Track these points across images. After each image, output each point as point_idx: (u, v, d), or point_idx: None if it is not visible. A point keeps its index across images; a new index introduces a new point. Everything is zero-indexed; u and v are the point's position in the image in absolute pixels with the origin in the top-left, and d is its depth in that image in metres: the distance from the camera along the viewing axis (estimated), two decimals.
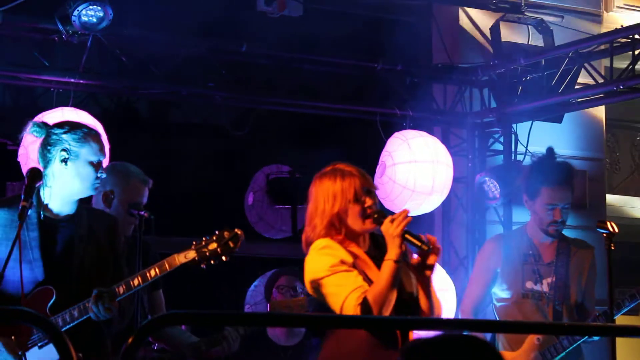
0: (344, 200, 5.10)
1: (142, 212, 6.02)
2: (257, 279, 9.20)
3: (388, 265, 4.98)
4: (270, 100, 8.75)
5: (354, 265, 5.07)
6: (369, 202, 5.13)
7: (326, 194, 5.14)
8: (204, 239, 5.28)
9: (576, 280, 6.37)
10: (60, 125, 5.50)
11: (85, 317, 5.19)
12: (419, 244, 5.00)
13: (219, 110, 8.84)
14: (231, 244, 5.19)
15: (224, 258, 5.25)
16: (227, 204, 9.53)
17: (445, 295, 8.31)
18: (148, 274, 5.24)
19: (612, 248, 5.72)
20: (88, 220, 5.46)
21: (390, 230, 5.01)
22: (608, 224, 5.78)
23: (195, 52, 8.38)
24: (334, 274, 4.99)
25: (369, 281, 5.02)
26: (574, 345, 6.23)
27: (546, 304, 6.32)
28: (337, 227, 5.12)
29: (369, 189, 5.17)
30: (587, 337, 6.21)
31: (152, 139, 8.56)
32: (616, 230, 5.77)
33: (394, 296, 4.97)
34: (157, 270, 5.25)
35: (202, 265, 5.28)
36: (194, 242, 5.29)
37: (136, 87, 8.31)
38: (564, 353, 6.24)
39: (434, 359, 2.52)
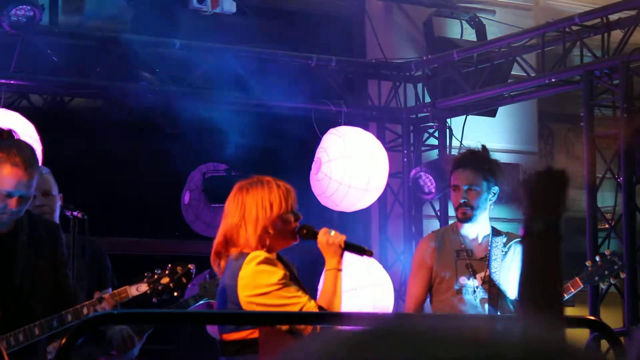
0: (281, 208, 4.93)
1: (76, 213, 5.95)
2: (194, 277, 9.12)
3: (332, 274, 4.99)
4: (205, 97, 8.72)
5: None
6: (299, 217, 5.03)
7: (261, 201, 4.94)
8: (155, 272, 5.10)
9: (510, 274, 6.39)
10: None
11: (30, 341, 4.94)
12: (360, 250, 5.06)
13: (153, 108, 8.77)
14: (184, 280, 5.04)
15: (175, 293, 5.12)
16: (163, 203, 9.45)
17: (382, 291, 8.34)
18: (99, 307, 4.99)
19: None
20: (29, 231, 5.11)
21: (330, 240, 4.99)
22: None
23: (128, 49, 8.32)
24: (285, 287, 4.83)
25: None
26: None
27: (479, 298, 6.34)
28: (264, 240, 4.91)
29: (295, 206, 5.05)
30: None
31: (86, 139, 8.48)
32: None
33: (341, 304, 5.03)
34: (109, 301, 5.01)
35: (153, 300, 5.13)
36: (146, 275, 5.10)
37: (69, 86, 8.23)
38: None
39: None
